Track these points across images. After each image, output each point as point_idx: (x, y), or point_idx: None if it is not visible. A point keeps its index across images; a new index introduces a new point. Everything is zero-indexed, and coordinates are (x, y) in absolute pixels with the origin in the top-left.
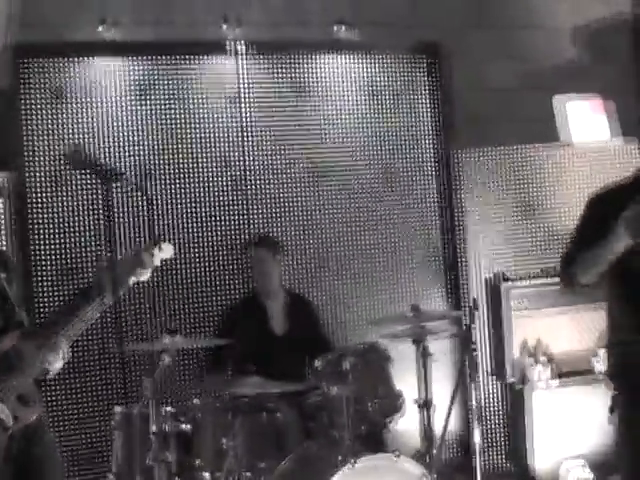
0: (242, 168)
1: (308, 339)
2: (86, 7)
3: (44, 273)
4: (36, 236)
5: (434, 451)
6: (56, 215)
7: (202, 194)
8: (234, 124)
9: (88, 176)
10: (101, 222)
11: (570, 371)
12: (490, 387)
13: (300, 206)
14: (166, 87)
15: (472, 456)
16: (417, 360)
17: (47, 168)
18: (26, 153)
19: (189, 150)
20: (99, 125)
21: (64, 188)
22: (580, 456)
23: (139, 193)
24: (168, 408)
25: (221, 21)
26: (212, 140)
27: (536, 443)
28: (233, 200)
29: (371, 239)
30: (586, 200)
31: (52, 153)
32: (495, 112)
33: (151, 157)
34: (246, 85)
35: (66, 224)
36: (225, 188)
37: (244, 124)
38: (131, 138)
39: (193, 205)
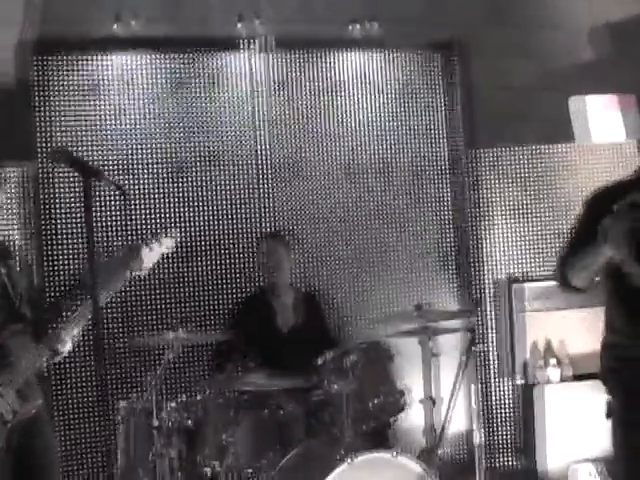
0: (255, 164)
1: (315, 336)
2: (102, 3)
3: (57, 266)
4: (49, 229)
5: (438, 450)
6: (69, 209)
7: (215, 189)
8: (248, 120)
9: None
10: (114, 215)
11: (583, 372)
12: (502, 387)
13: (313, 202)
14: (181, 83)
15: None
16: (423, 358)
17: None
18: (40, 147)
19: (201, 145)
20: (113, 120)
21: (78, 183)
22: (591, 457)
23: (118, 191)
24: (171, 403)
25: (236, 18)
26: (225, 136)
27: (547, 443)
28: (245, 196)
29: (384, 237)
30: (583, 200)
31: (66, 145)
32: (512, 111)
33: (163, 152)
34: (261, 82)
35: (79, 218)
36: (238, 184)
37: (258, 121)
38: (145, 133)
39: (203, 200)
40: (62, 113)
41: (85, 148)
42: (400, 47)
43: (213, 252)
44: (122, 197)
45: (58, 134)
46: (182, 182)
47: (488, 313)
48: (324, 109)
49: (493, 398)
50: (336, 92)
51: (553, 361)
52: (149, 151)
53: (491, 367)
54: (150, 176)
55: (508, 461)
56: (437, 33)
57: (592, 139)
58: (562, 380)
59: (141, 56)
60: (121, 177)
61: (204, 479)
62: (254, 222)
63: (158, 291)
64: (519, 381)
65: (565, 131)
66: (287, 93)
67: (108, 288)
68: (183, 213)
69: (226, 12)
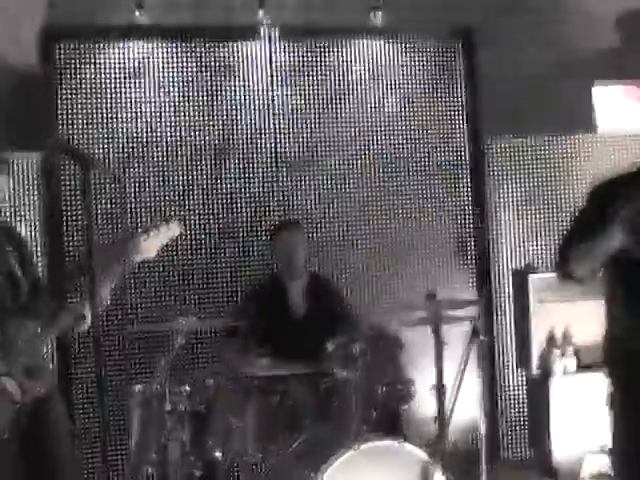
0: (273, 152)
1: (328, 322)
2: None
3: (75, 253)
4: (68, 217)
5: (446, 439)
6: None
7: (233, 177)
8: (266, 108)
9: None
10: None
11: (595, 362)
12: (514, 377)
13: (330, 191)
14: (200, 71)
15: (481, 445)
16: (433, 347)
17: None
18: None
19: (220, 133)
20: (132, 108)
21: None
22: (603, 447)
23: (116, 182)
24: (183, 388)
25: (257, 5)
26: (244, 124)
27: (559, 434)
28: (262, 184)
29: (400, 226)
30: (587, 190)
31: (86, 135)
32: (530, 100)
33: (182, 140)
34: (280, 70)
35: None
36: (256, 172)
37: (276, 109)
38: (164, 121)
39: (221, 188)
40: (82, 101)
41: (104, 136)
42: (417, 34)
43: (229, 240)
44: (119, 187)
45: (79, 122)
46: (200, 170)
47: (503, 303)
48: (341, 97)
49: (507, 388)
50: (354, 80)
51: (569, 350)
52: (169, 139)
53: (505, 357)
54: (169, 164)
55: (521, 452)
56: (455, 20)
57: (613, 128)
58: (578, 370)
59: (161, 44)
60: (138, 165)
61: (214, 462)
62: (271, 210)
63: (171, 277)
64: (535, 371)
65: (585, 120)
66: (306, 81)
67: (109, 272)
68: (200, 201)
69: (246, 0)
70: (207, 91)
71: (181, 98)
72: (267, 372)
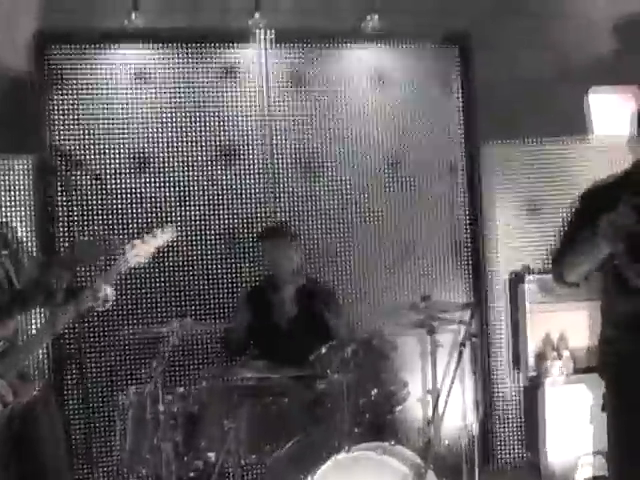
0: (268, 158)
1: (321, 326)
2: None
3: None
4: (60, 217)
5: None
6: (80, 198)
7: (228, 183)
8: (259, 113)
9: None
10: (128, 205)
11: (589, 366)
12: (509, 380)
13: (322, 195)
14: (193, 75)
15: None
16: (426, 350)
17: (73, 152)
18: (51, 137)
19: (214, 139)
20: (125, 111)
21: (88, 172)
22: (596, 451)
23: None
24: (177, 390)
25: (251, 10)
26: (239, 130)
27: (554, 437)
28: (257, 189)
29: (395, 230)
30: (578, 195)
31: (79, 138)
32: (526, 104)
33: (175, 145)
34: (275, 75)
35: (91, 207)
36: (250, 177)
37: (269, 113)
38: (158, 124)
39: (216, 193)
40: (73, 105)
41: (97, 139)
42: (414, 40)
43: (223, 243)
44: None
45: (69, 126)
46: (194, 174)
47: (498, 306)
48: (336, 101)
49: (501, 392)
50: (349, 84)
51: (565, 353)
52: (162, 142)
53: (500, 360)
54: (162, 169)
55: (516, 455)
56: (451, 25)
57: (608, 133)
58: (574, 373)
59: (156, 47)
60: (133, 170)
61: (207, 464)
62: (266, 215)
63: (165, 281)
64: (529, 374)
65: (581, 125)
66: (301, 86)
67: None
68: (193, 205)
69: (241, 4)
70: (202, 94)
71: (175, 101)
72: (260, 375)
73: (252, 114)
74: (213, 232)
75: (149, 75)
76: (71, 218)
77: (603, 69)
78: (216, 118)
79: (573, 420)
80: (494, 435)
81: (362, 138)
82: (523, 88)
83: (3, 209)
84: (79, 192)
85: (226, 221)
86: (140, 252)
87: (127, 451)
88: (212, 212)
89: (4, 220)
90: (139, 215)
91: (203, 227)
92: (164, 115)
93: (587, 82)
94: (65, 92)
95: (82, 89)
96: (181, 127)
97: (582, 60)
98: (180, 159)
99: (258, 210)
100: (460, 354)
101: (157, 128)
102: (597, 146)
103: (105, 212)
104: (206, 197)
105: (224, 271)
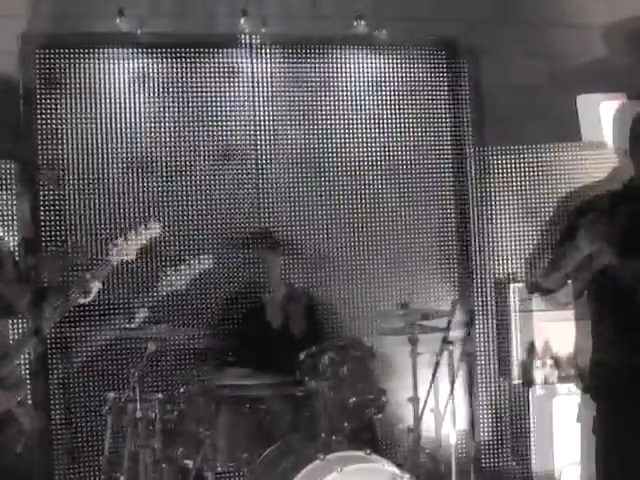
0: (255, 162)
1: (304, 333)
2: None
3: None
4: (48, 225)
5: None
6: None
7: (216, 186)
8: (249, 118)
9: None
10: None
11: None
12: (494, 387)
13: (312, 201)
14: (182, 80)
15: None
16: (408, 358)
17: (61, 158)
18: (40, 143)
19: (203, 142)
20: (113, 116)
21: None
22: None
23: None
24: (155, 396)
25: (239, 14)
26: (227, 134)
27: (539, 445)
28: (243, 193)
29: (385, 235)
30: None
31: (66, 144)
32: (518, 110)
33: (163, 148)
34: (262, 79)
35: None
36: (238, 181)
37: (258, 118)
38: (145, 130)
39: (205, 196)
40: (61, 109)
41: (86, 145)
42: (407, 45)
43: (209, 249)
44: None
45: (58, 130)
46: (183, 179)
47: (486, 312)
48: (325, 106)
49: (489, 398)
50: (338, 90)
51: (550, 361)
52: (148, 147)
53: (488, 367)
54: (149, 172)
55: (505, 462)
56: (445, 31)
57: (600, 138)
58: (560, 381)
59: (142, 52)
60: (122, 173)
61: (185, 471)
62: (253, 219)
63: (144, 284)
64: (516, 381)
65: (573, 131)
66: (290, 90)
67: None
68: (182, 209)
69: (229, 8)
70: (190, 99)
71: (164, 106)
72: (238, 381)
73: (240, 119)
74: (194, 236)
75: (138, 79)
76: (57, 224)
77: (596, 76)
78: (205, 122)
79: (559, 427)
80: (479, 443)
81: (352, 142)
82: (516, 93)
83: None
84: (65, 198)
85: (209, 226)
86: (124, 250)
87: (105, 457)
88: (195, 216)
89: None
90: (129, 218)
91: (184, 231)
92: (153, 119)
93: (580, 88)
94: (53, 96)
95: (70, 93)
96: (170, 131)
97: (576, 66)
98: (168, 163)
99: (243, 214)
100: (437, 364)
101: (146, 132)
102: (588, 151)
103: (92, 216)
104: (188, 201)
105: (203, 276)
